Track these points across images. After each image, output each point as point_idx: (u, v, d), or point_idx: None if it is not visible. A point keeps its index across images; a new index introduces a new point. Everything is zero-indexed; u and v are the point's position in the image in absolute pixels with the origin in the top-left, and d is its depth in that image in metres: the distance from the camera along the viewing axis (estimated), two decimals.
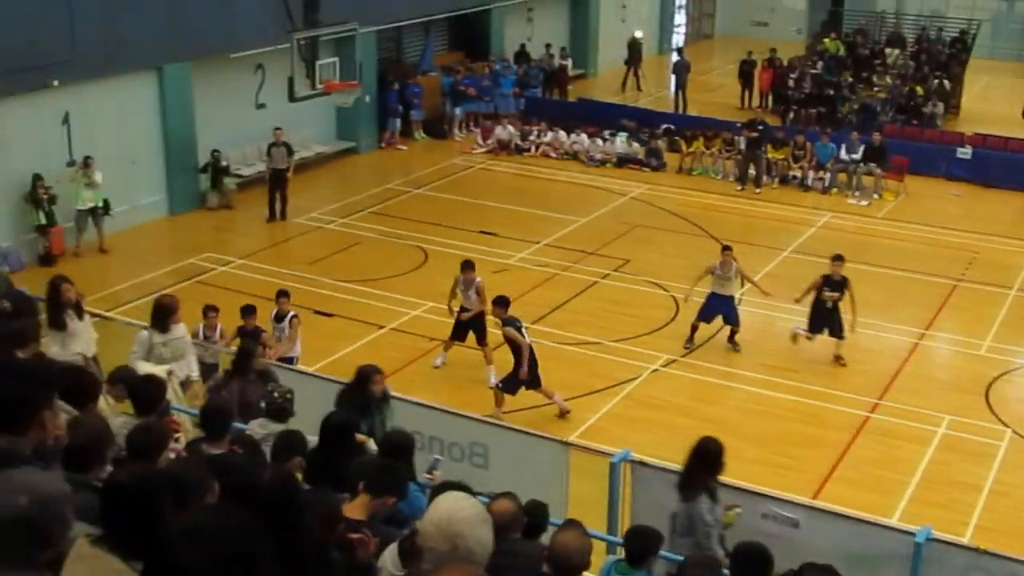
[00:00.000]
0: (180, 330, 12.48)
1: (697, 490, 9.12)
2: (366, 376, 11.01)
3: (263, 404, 9.91)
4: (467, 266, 16.76)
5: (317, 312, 18.64)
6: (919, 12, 42.66)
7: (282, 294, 15.47)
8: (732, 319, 17.60)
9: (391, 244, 22.18)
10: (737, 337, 17.65)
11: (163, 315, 12.30)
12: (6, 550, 3.93)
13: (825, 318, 17.14)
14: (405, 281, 20.02)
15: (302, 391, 10.55)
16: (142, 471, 4.34)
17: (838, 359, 17.27)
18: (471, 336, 16.61)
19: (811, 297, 17.17)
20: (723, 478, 9.56)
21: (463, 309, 16.55)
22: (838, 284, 17.04)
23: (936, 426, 15.56)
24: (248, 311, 14.80)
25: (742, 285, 18.45)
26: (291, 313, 15.21)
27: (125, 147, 22.39)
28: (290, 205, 23.49)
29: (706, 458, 9.23)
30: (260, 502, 4.45)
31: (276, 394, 9.78)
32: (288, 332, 15.04)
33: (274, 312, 15.25)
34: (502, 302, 15.50)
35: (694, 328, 17.64)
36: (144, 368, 11.32)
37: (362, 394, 10.86)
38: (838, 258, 17.29)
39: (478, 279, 16.61)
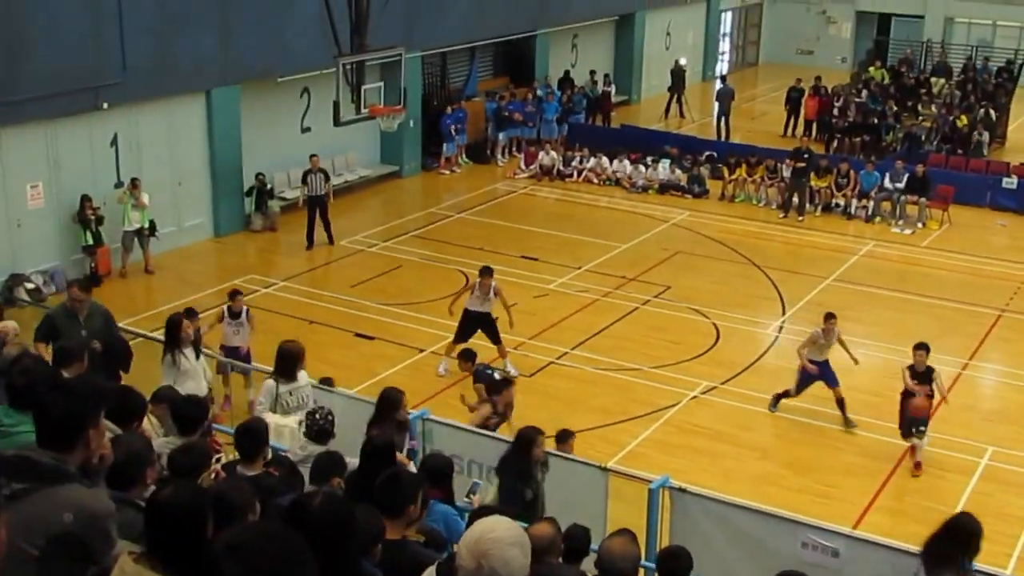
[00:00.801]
0: (304, 377, 11.70)
1: (943, 568, 7.93)
2: (530, 440, 10.46)
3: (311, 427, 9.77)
4: (486, 272, 16.92)
5: (358, 335, 18.78)
6: (966, 42, 42.49)
7: (236, 293, 16.13)
8: (832, 380, 16.08)
9: (433, 268, 22.28)
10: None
11: (291, 362, 11.52)
12: (52, 565, 4.02)
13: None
14: (446, 305, 20.01)
15: (342, 414, 10.56)
16: (186, 489, 4.40)
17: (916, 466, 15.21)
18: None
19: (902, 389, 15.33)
20: (763, 505, 9.47)
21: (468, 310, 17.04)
22: (923, 376, 15.05)
23: (979, 457, 15.41)
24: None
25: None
26: (245, 309, 15.80)
27: (172, 169, 22.67)
28: (334, 228, 23.57)
29: (959, 535, 8.16)
30: (311, 523, 4.49)
31: (317, 416, 9.81)
32: (248, 326, 15.63)
33: (226, 308, 15.74)
34: (467, 355, 15.34)
35: (782, 396, 16.44)
36: (272, 420, 10.77)
37: (524, 458, 10.45)
38: (921, 347, 15.15)
39: (494, 284, 16.84)
